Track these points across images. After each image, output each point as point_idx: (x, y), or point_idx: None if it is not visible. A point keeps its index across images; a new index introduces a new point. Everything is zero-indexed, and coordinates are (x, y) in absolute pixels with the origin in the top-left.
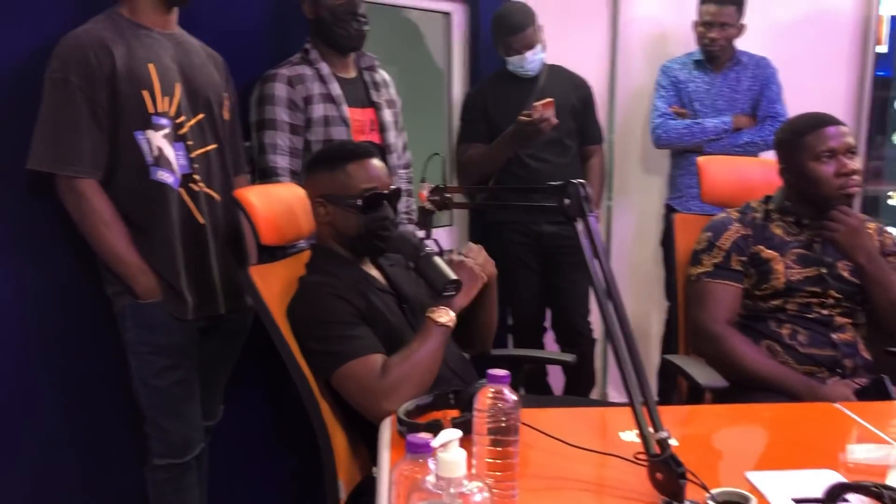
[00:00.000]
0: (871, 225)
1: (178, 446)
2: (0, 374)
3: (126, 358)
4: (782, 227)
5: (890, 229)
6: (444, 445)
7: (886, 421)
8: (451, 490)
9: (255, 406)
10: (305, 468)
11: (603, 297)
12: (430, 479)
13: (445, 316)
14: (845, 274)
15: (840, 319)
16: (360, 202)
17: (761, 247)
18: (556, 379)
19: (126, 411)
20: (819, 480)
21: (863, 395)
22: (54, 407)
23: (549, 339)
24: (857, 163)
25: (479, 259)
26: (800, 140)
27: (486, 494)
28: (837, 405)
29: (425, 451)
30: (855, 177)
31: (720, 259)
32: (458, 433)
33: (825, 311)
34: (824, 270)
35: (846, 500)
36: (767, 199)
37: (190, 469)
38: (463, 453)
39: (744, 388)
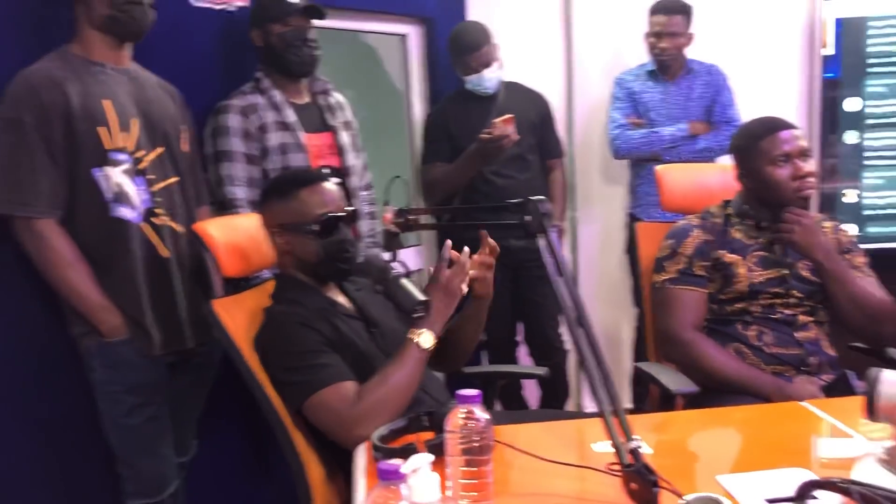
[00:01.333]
0: (827, 224)
1: (153, 485)
2: None
3: (94, 398)
4: (742, 230)
5: (845, 226)
6: (415, 471)
7: (852, 416)
8: None
9: (230, 439)
10: (284, 499)
11: (568, 312)
12: None
13: (429, 340)
14: (806, 273)
15: (803, 318)
16: (316, 227)
17: (723, 251)
18: (532, 392)
19: (97, 452)
20: (791, 479)
21: (829, 391)
22: (23, 452)
23: (523, 352)
24: (811, 165)
25: (459, 274)
26: (756, 145)
27: None
28: (805, 404)
29: (397, 477)
30: (810, 179)
31: (683, 265)
32: (429, 458)
33: (789, 311)
34: (786, 271)
35: (815, 498)
36: (726, 203)
37: None
38: (435, 477)
39: (714, 392)
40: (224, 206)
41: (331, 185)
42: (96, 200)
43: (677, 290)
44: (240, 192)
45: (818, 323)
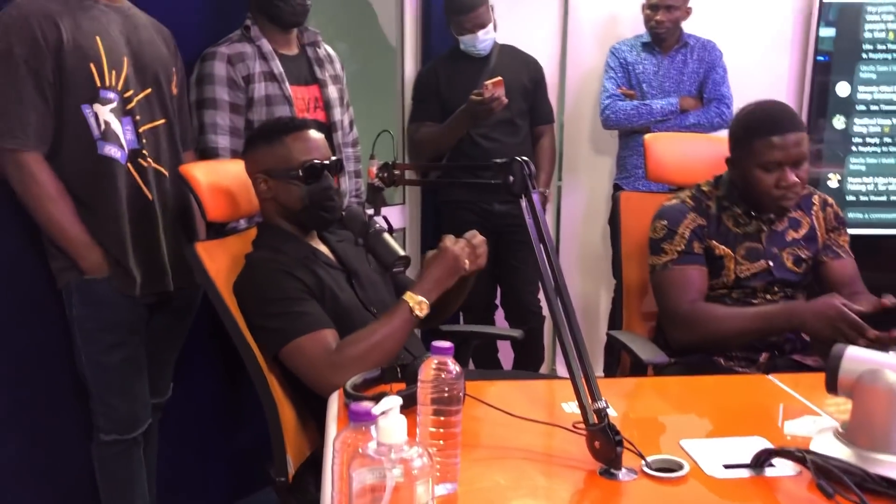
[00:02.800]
0: (816, 198)
1: (126, 422)
2: None
3: (70, 334)
4: (732, 217)
5: None
6: (384, 413)
7: (815, 392)
8: (392, 455)
9: (206, 383)
10: (255, 445)
11: (545, 271)
12: (372, 445)
13: (425, 309)
14: (789, 264)
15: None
16: (301, 173)
17: (715, 242)
18: (506, 356)
19: (70, 388)
20: (749, 447)
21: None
22: None
23: (500, 316)
24: (803, 171)
25: (467, 250)
26: (750, 142)
27: (427, 459)
28: (771, 377)
29: (367, 418)
30: (795, 189)
31: (683, 246)
32: (398, 400)
33: (769, 297)
34: (771, 263)
35: (772, 465)
36: (717, 181)
37: (137, 445)
38: (403, 419)
39: (684, 364)
40: (205, 155)
41: (316, 132)
42: (84, 138)
43: (681, 269)
44: (222, 141)
45: None
